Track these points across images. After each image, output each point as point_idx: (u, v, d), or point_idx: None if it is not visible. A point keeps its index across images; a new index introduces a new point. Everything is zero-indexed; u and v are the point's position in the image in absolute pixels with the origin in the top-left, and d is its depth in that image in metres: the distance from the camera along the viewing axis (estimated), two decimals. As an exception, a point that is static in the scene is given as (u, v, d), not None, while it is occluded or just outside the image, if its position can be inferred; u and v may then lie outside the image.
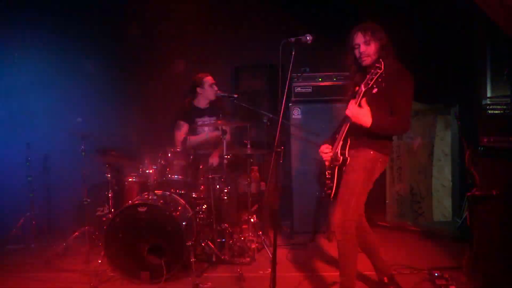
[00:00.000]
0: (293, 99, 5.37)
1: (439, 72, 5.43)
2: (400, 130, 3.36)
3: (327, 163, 3.49)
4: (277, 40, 3.16)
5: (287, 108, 5.31)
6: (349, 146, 3.30)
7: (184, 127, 5.14)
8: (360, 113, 3.09)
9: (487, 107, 4.13)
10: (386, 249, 4.63)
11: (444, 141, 5.80)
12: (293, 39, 3.07)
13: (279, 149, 2.99)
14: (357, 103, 3.09)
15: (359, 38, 3.31)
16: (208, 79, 5.13)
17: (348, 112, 3.15)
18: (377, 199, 5.86)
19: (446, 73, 5.43)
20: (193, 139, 5.06)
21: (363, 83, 3.05)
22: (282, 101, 3.02)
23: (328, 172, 3.40)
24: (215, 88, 5.11)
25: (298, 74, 5.32)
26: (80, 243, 4.82)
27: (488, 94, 4.88)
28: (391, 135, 3.40)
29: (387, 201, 5.86)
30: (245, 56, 6.06)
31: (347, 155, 3.29)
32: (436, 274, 3.87)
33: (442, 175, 5.80)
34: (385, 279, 3.56)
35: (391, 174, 5.88)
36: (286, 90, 3.04)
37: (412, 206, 5.83)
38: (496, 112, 3.97)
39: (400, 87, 3.23)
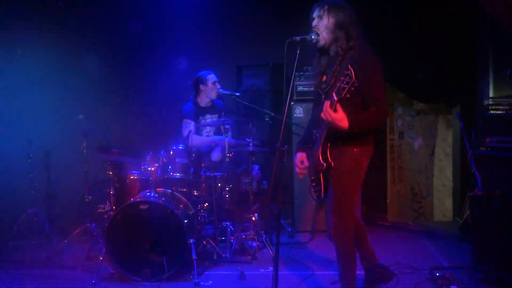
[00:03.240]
0: (295, 98, 5.38)
1: (441, 72, 5.44)
2: (380, 122, 3.13)
3: (302, 173, 3.35)
4: (280, 39, 3.14)
5: (289, 107, 5.31)
6: (330, 148, 3.10)
7: (191, 126, 5.16)
8: (335, 118, 2.85)
9: (489, 107, 4.11)
10: (386, 249, 4.65)
11: (445, 141, 5.81)
12: (298, 38, 3.00)
13: (282, 148, 2.95)
14: (333, 108, 2.85)
15: (315, 12, 3.12)
16: (211, 77, 5.13)
17: (324, 116, 2.91)
18: (378, 199, 5.87)
19: (448, 72, 5.43)
20: (197, 139, 5.04)
21: (335, 91, 2.80)
22: (287, 100, 2.98)
23: (311, 175, 3.28)
24: (218, 86, 5.12)
25: (301, 73, 5.33)
26: (81, 240, 4.83)
27: (491, 94, 4.87)
28: (372, 130, 3.17)
29: (388, 201, 5.87)
30: (247, 55, 6.05)
31: (329, 160, 3.09)
32: (437, 274, 3.86)
33: (443, 175, 5.81)
34: (373, 268, 3.52)
35: (392, 174, 5.89)
36: (290, 89, 3.01)
37: (413, 206, 5.84)
38: (499, 112, 3.96)
39: (368, 75, 2.97)
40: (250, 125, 4.82)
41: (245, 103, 5.17)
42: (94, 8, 5.76)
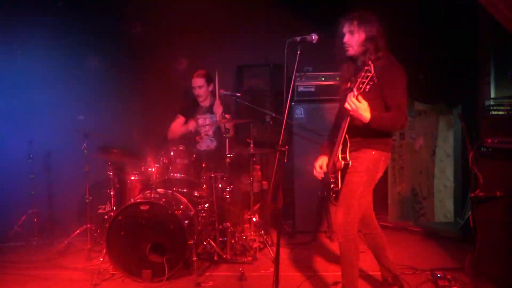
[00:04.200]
0: (296, 98, 5.37)
1: (442, 72, 5.42)
2: (399, 126, 3.20)
3: (322, 175, 3.43)
4: (280, 39, 3.15)
5: (290, 108, 5.31)
6: (350, 148, 3.21)
7: (179, 119, 5.20)
8: (360, 107, 2.97)
9: (491, 108, 4.11)
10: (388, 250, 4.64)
11: (446, 142, 5.79)
12: (298, 38, 3.02)
13: (283, 148, 2.96)
14: (356, 97, 2.97)
15: (345, 27, 3.24)
16: (193, 81, 5.10)
17: (347, 106, 3.02)
18: (379, 199, 5.83)
19: (449, 73, 5.42)
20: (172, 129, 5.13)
21: (355, 86, 2.95)
22: (287, 101, 3.00)
23: (332, 176, 3.35)
24: (198, 91, 5.07)
25: (301, 74, 5.32)
26: (82, 241, 4.84)
27: (492, 95, 4.87)
28: (390, 131, 3.31)
29: (388, 202, 5.86)
30: (248, 55, 6.05)
31: (348, 159, 3.20)
32: (438, 275, 3.87)
33: (444, 176, 5.80)
34: (389, 279, 3.55)
35: (393, 174, 5.87)
36: (291, 90, 3.02)
37: (413, 207, 5.82)
38: (500, 113, 3.96)
39: (393, 83, 3.15)
40: (251, 125, 4.80)
41: (246, 103, 5.17)
42: (94, 8, 5.76)
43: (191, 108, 5.22)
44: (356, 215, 3.24)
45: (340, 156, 3.20)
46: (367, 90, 2.91)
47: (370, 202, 3.49)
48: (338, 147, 3.21)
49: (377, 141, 3.25)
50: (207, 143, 5.21)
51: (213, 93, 5.18)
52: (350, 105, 2.99)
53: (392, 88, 3.14)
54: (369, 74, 2.85)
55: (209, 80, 5.14)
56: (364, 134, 3.20)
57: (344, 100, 3.22)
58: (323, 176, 3.42)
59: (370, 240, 3.53)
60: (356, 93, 2.94)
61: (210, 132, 5.23)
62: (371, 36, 3.18)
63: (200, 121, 5.19)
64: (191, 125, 5.10)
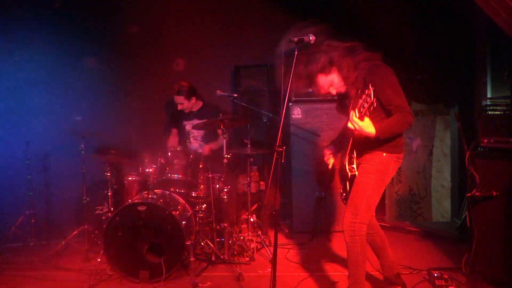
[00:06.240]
0: (293, 99, 5.37)
1: (439, 72, 5.44)
2: (407, 125, 3.17)
3: (330, 166, 3.51)
4: (278, 39, 3.15)
5: (287, 108, 5.30)
6: (360, 151, 3.27)
7: (173, 132, 5.31)
8: (363, 126, 2.97)
9: (487, 108, 4.13)
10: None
11: (443, 142, 5.81)
12: (295, 39, 3.03)
13: (280, 149, 2.97)
14: (358, 117, 2.98)
15: (319, 80, 3.30)
16: (174, 98, 5.09)
17: (350, 126, 3.05)
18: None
19: (446, 73, 5.43)
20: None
21: (357, 107, 2.95)
22: (284, 101, 3.00)
23: (340, 181, 3.42)
24: (181, 106, 5.09)
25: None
26: (79, 242, 4.84)
27: (488, 95, 4.88)
28: (400, 134, 3.29)
29: (386, 202, 5.87)
30: (245, 56, 6.05)
31: (355, 171, 3.26)
32: (435, 275, 3.88)
33: (442, 176, 5.81)
34: (392, 278, 3.56)
35: (391, 175, 5.88)
36: (288, 90, 3.03)
37: (411, 207, 5.84)
38: (496, 112, 3.97)
39: (384, 84, 3.11)
40: (248, 126, 4.81)
41: (243, 104, 5.17)
42: (92, 8, 5.76)
43: (177, 115, 5.23)
44: (365, 216, 3.24)
45: (347, 167, 3.27)
46: (367, 115, 2.93)
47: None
48: (345, 157, 3.28)
49: (386, 142, 3.24)
50: (195, 147, 5.21)
51: (198, 98, 5.18)
52: (354, 125, 3.01)
53: (383, 89, 3.10)
54: (369, 100, 2.85)
55: (190, 94, 5.07)
56: (372, 141, 3.17)
57: (346, 110, 3.29)
58: (333, 160, 3.51)
59: (370, 240, 3.53)
60: (357, 115, 2.96)
61: (199, 137, 5.23)
62: (343, 67, 3.21)
63: (187, 127, 5.19)
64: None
